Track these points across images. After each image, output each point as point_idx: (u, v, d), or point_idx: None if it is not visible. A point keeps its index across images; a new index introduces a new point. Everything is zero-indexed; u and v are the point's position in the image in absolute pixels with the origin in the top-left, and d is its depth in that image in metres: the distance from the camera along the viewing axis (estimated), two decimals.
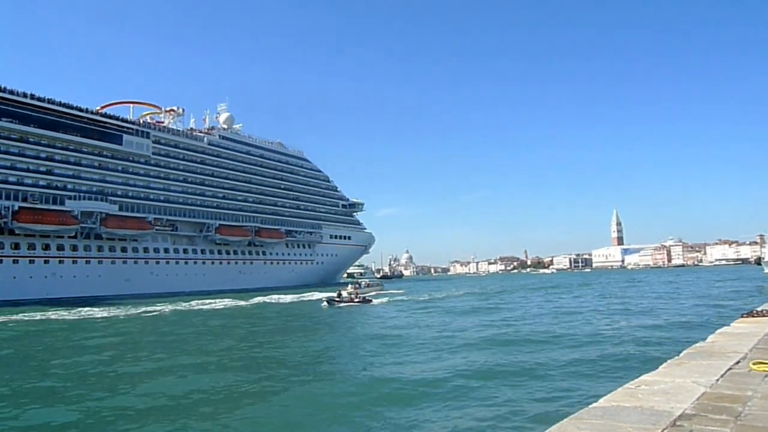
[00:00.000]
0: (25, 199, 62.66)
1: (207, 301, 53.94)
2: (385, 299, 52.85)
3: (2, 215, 59.75)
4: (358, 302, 47.32)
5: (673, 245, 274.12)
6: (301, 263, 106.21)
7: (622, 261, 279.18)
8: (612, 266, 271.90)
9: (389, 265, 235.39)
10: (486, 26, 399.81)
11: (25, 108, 65.13)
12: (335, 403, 12.74)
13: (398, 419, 11.18)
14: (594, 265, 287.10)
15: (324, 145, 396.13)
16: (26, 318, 40.15)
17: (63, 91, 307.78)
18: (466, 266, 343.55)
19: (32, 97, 66.78)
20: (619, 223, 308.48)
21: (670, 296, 49.78)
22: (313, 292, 64.75)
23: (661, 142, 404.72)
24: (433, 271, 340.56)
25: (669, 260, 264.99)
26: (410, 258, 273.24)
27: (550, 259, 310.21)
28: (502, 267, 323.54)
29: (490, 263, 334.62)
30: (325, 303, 45.71)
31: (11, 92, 64.69)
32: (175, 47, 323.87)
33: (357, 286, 66.14)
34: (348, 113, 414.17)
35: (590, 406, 4.30)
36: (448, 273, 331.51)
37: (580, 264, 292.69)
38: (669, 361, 6.10)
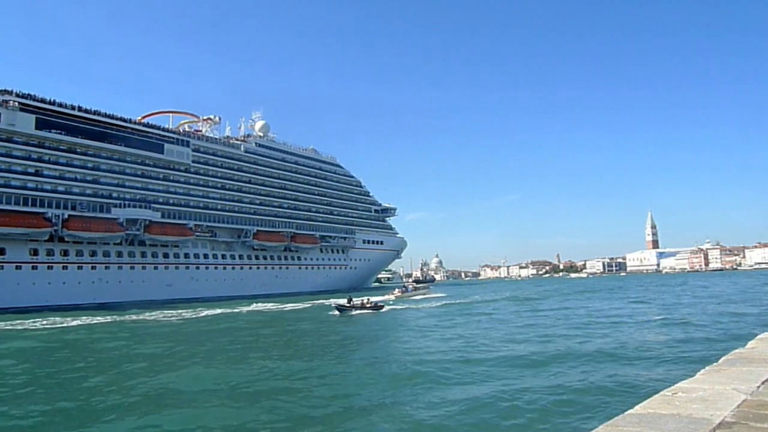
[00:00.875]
0: (74, 208, 65.43)
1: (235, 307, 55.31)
2: (400, 305, 51.35)
3: (53, 223, 62.57)
4: (370, 309, 44.83)
5: (710, 248, 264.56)
6: (335, 268, 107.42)
7: (657, 265, 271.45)
8: (647, 270, 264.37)
9: (421, 269, 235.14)
10: (512, 27, 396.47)
11: (73, 120, 68.06)
12: None
13: None
14: (628, 269, 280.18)
15: (352, 150, 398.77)
16: (94, 322, 41.52)
17: (105, 99, 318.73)
18: (496, 270, 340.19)
19: (79, 109, 69.74)
20: (653, 226, 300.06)
21: (711, 300, 48.63)
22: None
23: (697, 144, 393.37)
24: (463, 275, 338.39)
25: (706, 264, 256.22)
26: (440, 262, 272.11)
27: (583, 263, 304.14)
28: (534, 271, 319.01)
29: (521, 267, 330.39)
30: (336, 311, 43.17)
31: (60, 105, 67.74)
32: (206, 54, 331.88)
33: (404, 289, 68.92)
34: (374, 116, 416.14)
35: (626, 413, 4.15)
36: (479, 278, 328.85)
37: (614, 268, 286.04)
38: (707, 367, 5.91)
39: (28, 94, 64.74)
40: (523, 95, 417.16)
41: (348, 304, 44.23)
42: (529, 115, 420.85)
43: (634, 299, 55.25)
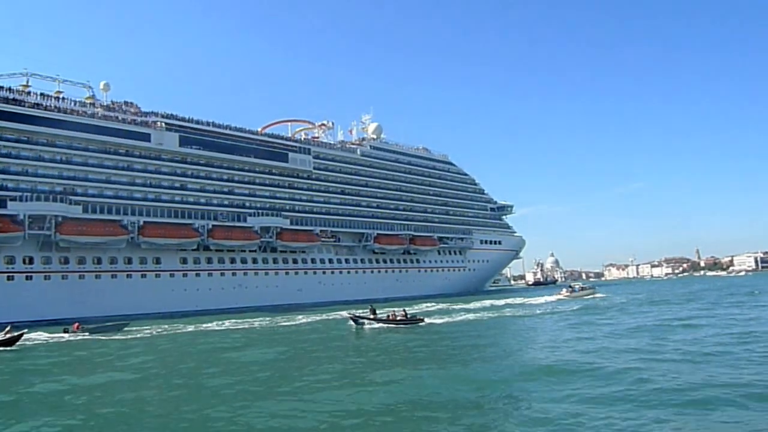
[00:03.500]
0: (215, 218, 74.20)
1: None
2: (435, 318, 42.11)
3: (200, 233, 71.49)
4: (402, 321, 37.20)
5: None
6: (454, 270, 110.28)
7: None
8: None
9: (541, 270, 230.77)
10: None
11: (208, 135, 77.14)
12: None
13: None
14: None
15: (457, 144, 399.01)
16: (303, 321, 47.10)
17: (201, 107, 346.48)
18: (623, 270, 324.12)
19: (213, 125, 78.84)
20: None
21: None
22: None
23: None
24: (584, 276, 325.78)
25: None
26: (556, 262, 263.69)
27: (729, 259, 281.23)
28: (669, 270, 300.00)
29: (653, 266, 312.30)
30: (351, 322, 37.62)
31: (197, 122, 77.08)
32: (311, 62, 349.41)
33: (571, 289, 73.35)
34: (479, 104, 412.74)
35: None
36: (602, 278, 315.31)
37: None
38: None
39: (171, 114, 74.52)
40: (644, 65, 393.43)
41: (372, 315, 37.99)
42: (656, 86, 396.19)
43: None
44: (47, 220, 60.54)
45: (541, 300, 67.40)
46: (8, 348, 30.20)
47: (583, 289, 76.78)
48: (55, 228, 60.94)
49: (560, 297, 68.84)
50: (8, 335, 30.99)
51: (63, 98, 67.90)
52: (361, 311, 42.36)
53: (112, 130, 68.17)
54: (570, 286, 77.32)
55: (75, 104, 68.38)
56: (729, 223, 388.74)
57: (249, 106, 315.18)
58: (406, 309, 40.20)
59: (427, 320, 39.16)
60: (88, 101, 70.37)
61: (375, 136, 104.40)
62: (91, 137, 66.66)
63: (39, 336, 36.25)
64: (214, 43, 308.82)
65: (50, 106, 65.38)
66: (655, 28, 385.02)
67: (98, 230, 63.41)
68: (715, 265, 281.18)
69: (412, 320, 38.14)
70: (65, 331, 38.17)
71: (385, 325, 36.62)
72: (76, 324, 39.66)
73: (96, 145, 67.36)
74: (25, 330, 32.76)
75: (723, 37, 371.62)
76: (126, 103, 73.57)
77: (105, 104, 71.38)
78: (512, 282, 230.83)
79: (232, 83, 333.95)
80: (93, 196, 65.95)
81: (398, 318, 37.39)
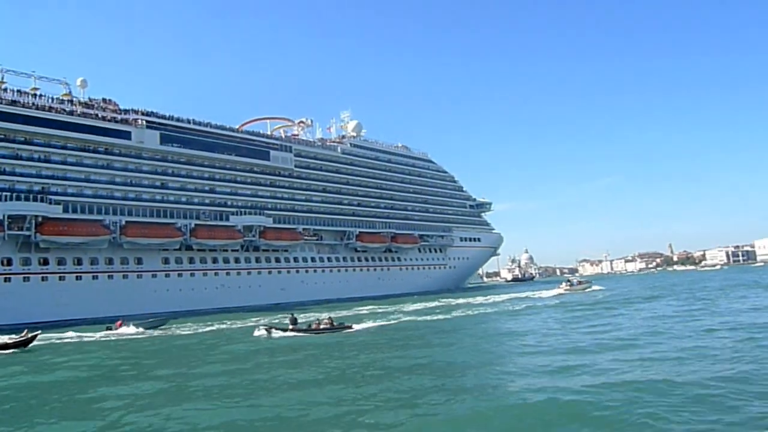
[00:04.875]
0: (197, 217, 74.92)
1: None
2: (371, 323, 38.42)
3: (183, 232, 72.17)
4: (325, 330, 33.53)
5: None
6: (434, 268, 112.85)
7: None
8: None
9: (519, 267, 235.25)
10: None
11: (188, 133, 77.60)
12: None
13: None
14: (758, 258, 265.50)
15: (430, 139, 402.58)
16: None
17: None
18: (597, 265, 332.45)
19: (193, 122, 79.34)
20: None
21: None
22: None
23: None
24: (558, 272, 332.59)
25: None
26: (530, 258, 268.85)
27: (702, 253, 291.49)
28: (642, 265, 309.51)
29: (626, 261, 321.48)
30: (263, 331, 33.39)
31: (178, 120, 77.50)
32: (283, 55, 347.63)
33: (570, 283, 77.22)
34: (451, 101, 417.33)
35: None
36: (577, 274, 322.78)
37: (740, 258, 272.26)
38: None
39: (152, 112, 74.84)
40: (618, 64, 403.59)
41: (292, 325, 34.20)
42: (627, 80, 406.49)
43: None
44: (27, 220, 60.57)
45: (547, 294, 68.28)
46: (24, 348, 31.62)
47: (580, 283, 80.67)
48: (35, 228, 61.00)
49: (560, 291, 71.22)
50: (24, 337, 32.33)
51: (40, 95, 67.67)
52: (305, 317, 38.98)
53: (92, 128, 68.26)
54: (568, 281, 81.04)
55: (53, 101, 68.23)
56: (701, 218, 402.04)
57: (225, 103, 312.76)
58: (332, 316, 36.77)
59: (357, 326, 35.40)
60: (65, 98, 70.22)
61: (355, 134, 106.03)
62: (70, 135, 66.70)
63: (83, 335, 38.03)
64: (188, 39, 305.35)
65: (27, 102, 65.20)
66: (631, 25, 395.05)
67: (80, 230, 63.61)
68: (687, 259, 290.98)
69: (338, 327, 34.21)
70: (108, 329, 40.43)
71: (304, 334, 32.66)
72: (119, 321, 42.05)
73: (75, 143, 67.42)
74: (39, 331, 33.81)
75: (700, 37, 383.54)
76: (104, 100, 73.51)
77: (83, 101, 71.28)
78: (485, 279, 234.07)
79: (208, 80, 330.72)
80: (72, 195, 66.03)
81: (321, 326, 33.88)
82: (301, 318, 38.58)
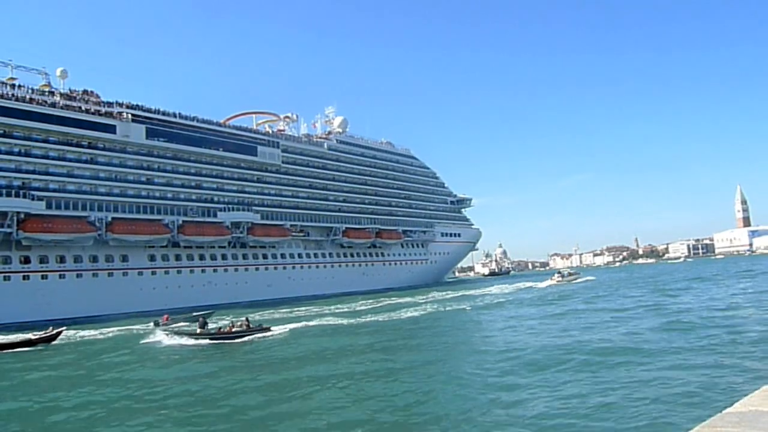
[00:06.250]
0: (185, 213, 72.54)
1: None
2: (286, 326, 34.57)
3: (170, 229, 69.77)
4: (242, 332, 31.04)
5: None
6: (417, 263, 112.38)
7: (750, 245, 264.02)
8: (738, 251, 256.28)
9: (495, 261, 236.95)
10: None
11: (175, 127, 74.96)
12: None
13: None
14: (717, 251, 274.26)
15: (412, 134, 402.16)
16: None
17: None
18: (567, 259, 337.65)
19: (179, 116, 76.61)
20: (744, 202, 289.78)
21: None
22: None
23: None
24: (531, 265, 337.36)
25: None
26: (504, 252, 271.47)
27: (665, 246, 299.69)
28: (610, 258, 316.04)
29: (595, 255, 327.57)
30: (159, 333, 31.54)
31: (164, 113, 74.71)
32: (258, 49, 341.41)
33: (561, 275, 80.00)
34: (424, 95, 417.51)
35: (724, 411, 4.10)
36: (548, 267, 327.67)
37: (700, 251, 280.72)
38: None
39: (137, 105, 71.91)
40: (587, 63, 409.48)
41: (200, 329, 31.05)
42: (597, 83, 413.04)
43: None
44: (8, 217, 57.62)
45: (542, 285, 74.29)
46: (48, 345, 32.26)
47: (570, 274, 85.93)
48: (17, 225, 58.09)
49: (552, 282, 75.51)
50: (49, 333, 32.99)
51: (19, 86, 64.30)
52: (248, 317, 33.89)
53: (75, 121, 65.12)
54: (560, 272, 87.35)
55: (32, 92, 64.88)
56: (665, 213, 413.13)
57: (209, 96, 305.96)
58: (249, 317, 33.51)
59: (277, 329, 32.84)
60: (44, 89, 66.89)
61: (341, 130, 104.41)
62: (52, 128, 63.46)
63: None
64: (168, 31, 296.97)
65: (6, 94, 61.82)
66: (605, 23, 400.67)
67: (65, 227, 60.80)
68: (652, 252, 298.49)
69: (254, 330, 31.62)
70: (156, 324, 40.38)
71: (209, 342, 29.41)
72: (166, 315, 42.72)
73: (57, 137, 64.24)
74: (64, 328, 35.04)
75: (671, 37, 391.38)
76: (85, 91, 70.23)
77: (63, 92, 67.96)
78: (457, 274, 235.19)
79: (191, 73, 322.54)
80: (54, 190, 63.08)
81: (234, 330, 31.06)
82: (280, 314, 37.61)
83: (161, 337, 30.08)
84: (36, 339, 32.01)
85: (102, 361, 25.64)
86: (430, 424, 13.08)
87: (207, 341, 29.40)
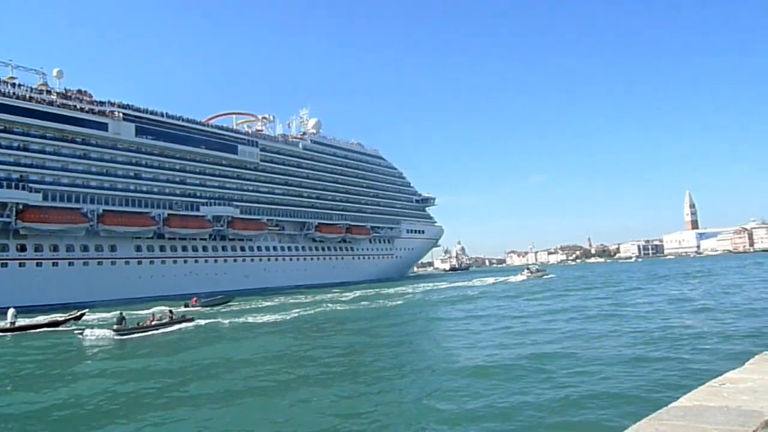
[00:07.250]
0: (170, 207, 77.63)
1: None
2: (201, 322, 34.57)
3: (157, 222, 74.86)
4: (162, 324, 31.99)
5: (755, 227, 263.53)
6: (383, 257, 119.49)
7: (698, 247, 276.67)
8: (686, 253, 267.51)
9: (456, 257, 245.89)
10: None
11: (162, 126, 79.70)
12: None
13: None
14: (666, 251, 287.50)
15: (382, 135, 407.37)
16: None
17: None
18: (523, 257, 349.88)
19: (166, 115, 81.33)
20: (692, 206, 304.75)
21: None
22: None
23: (736, 118, 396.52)
24: (488, 262, 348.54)
25: (751, 244, 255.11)
26: (462, 249, 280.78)
27: (617, 246, 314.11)
28: (564, 256, 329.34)
29: (549, 253, 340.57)
30: (86, 331, 30.20)
31: (152, 113, 79.36)
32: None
33: (530, 271, 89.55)
34: (385, 95, 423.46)
35: (670, 405, 4.13)
36: (505, 264, 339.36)
37: (650, 251, 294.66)
38: (757, 356, 5.81)
39: (128, 105, 76.43)
40: (548, 67, 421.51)
41: (117, 326, 29.99)
42: (554, 91, 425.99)
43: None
44: (8, 208, 61.91)
45: (515, 279, 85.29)
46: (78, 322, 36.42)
47: (538, 271, 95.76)
48: (16, 215, 62.45)
49: (523, 278, 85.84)
50: (74, 314, 37.69)
51: (19, 84, 68.17)
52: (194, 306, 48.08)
53: (71, 119, 69.44)
54: (528, 268, 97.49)
55: (31, 91, 68.80)
56: (617, 214, 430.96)
57: (189, 96, 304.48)
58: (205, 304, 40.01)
59: (203, 321, 34.09)
60: (42, 88, 70.80)
61: (315, 131, 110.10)
62: (49, 125, 67.61)
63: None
64: (149, 32, 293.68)
65: (7, 92, 65.71)
66: (572, 27, 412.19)
67: (60, 218, 65.39)
68: (604, 252, 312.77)
69: (177, 321, 32.99)
70: (186, 306, 47.95)
71: (128, 336, 29.20)
72: (194, 298, 51.29)
73: (53, 133, 68.42)
74: (86, 310, 40.27)
75: (631, 43, 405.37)
76: (80, 91, 74.35)
77: (59, 92, 71.98)
78: (416, 269, 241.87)
79: (170, 72, 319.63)
80: (50, 183, 67.35)
81: (154, 323, 31.80)
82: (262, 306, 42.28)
83: (87, 333, 29.85)
84: (62, 320, 36.08)
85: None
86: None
87: (127, 336, 29.26)
